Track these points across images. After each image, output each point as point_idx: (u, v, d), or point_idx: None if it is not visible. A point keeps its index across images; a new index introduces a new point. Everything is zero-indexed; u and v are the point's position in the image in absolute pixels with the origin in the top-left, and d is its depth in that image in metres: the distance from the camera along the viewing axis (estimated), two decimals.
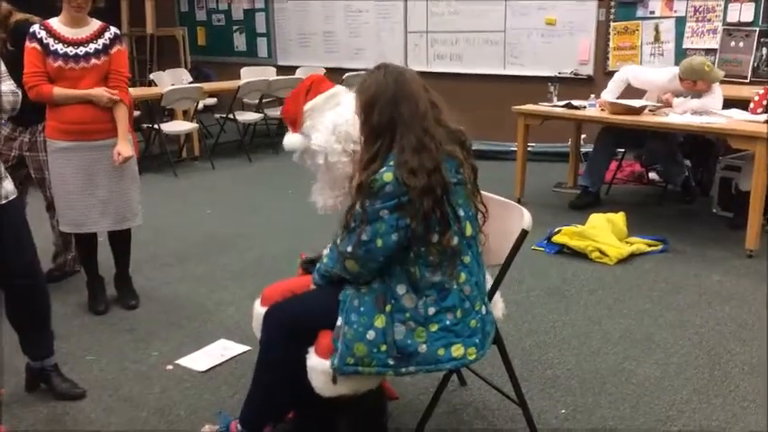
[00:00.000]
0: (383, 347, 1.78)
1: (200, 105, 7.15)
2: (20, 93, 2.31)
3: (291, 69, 8.36)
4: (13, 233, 2.28)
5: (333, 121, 2.08)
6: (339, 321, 1.84)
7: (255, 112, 7.38)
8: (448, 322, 1.81)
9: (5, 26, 3.19)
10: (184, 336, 3.02)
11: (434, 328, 1.80)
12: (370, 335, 1.78)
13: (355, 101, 1.89)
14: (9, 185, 2.29)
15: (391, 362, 1.79)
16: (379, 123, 1.80)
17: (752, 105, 4.50)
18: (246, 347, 2.84)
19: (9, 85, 2.25)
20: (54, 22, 3.00)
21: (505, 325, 2.33)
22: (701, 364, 2.72)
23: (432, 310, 1.79)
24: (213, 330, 3.06)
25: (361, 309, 1.81)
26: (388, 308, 1.79)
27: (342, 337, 1.82)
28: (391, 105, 1.79)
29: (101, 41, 3.02)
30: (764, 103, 4.48)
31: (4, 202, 2.24)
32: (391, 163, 1.75)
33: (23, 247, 2.32)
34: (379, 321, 1.79)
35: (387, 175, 1.73)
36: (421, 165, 1.73)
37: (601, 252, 3.88)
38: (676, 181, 5.05)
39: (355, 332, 1.79)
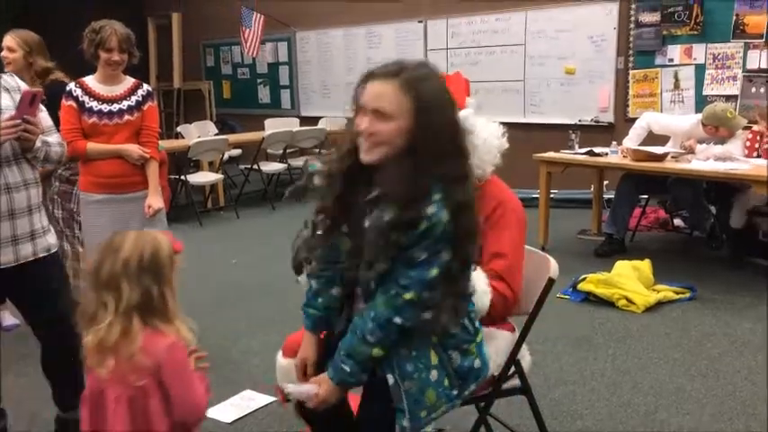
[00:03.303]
0: (446, 382, 1.61)
1: (226, 156, 7.30)
2: (65, 145, 2.41)
3: (314, 120, 8.52)
4: (50, 285, 2.33)
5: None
6: (390, 380, 1.58)
7: (279, 162, 7.51)
8: (479, 324, 1.73)
9: (43, 85, 3.32)
10: (211, 386, 3.02)
11: (480, 337, 1.70)
12: (434, 375, 1.59)
13: (399, 96, 1.51)
14: (52, 238, 2.34)
15: (455, 392, 1.64)
16: (442, 143, 1.50)
17: (746, 152, 4.48)
18: (272, 398, 2.84)
19: (57, 138, 2.34)
20: (89, 80, 3.12)
21: (533, 375, 2.30)
22: (735, 416, 2.66)
23: (477, 323, 1.71)
24: (239, 380, 3.06)
25: (413, 353, 1.59)
26: (434, 339, 1.61)
27: (404, 396, 1.57)
28: (452, 125, 1.53)
29: (134, 98, 3.13)
30: (756, 146, 4.47)
31: (44, 254, 2.29)
32: (437, 197, 1.49)
33: (60, 297, 2.36)
34: (434, 357, 1.60)
35: (443, 215, 1.48)
36: (468, 198, 1.52)
37: (628, 300, 3.84)
38: (703, 227, 5.01)
39: (419, 381, 1.58)
